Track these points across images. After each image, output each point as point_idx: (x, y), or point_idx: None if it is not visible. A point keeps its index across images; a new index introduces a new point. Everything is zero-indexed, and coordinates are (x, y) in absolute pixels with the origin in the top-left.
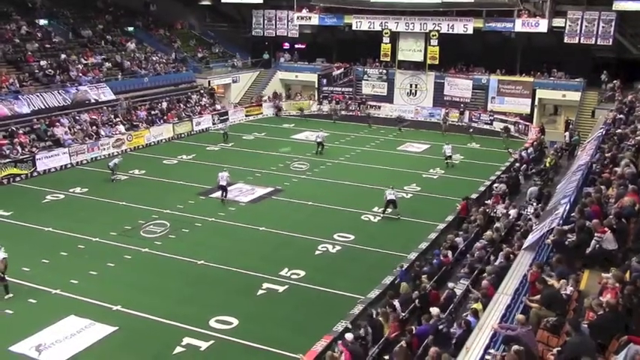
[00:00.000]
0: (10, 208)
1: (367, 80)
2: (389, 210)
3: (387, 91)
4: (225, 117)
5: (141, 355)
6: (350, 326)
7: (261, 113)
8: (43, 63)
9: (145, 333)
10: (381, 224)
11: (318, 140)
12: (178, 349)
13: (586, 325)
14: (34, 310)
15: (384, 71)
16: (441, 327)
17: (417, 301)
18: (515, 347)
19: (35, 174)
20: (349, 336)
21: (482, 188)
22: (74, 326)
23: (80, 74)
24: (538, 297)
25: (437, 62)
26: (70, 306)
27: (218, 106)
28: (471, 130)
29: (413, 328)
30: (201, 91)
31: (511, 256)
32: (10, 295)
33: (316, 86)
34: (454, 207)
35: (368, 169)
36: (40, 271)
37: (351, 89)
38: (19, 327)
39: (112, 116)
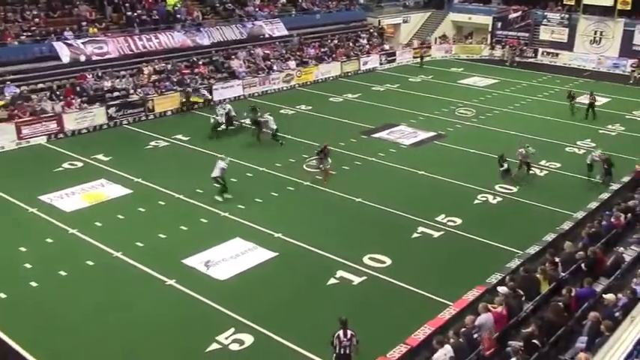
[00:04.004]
0: (188, 134)
1: (546, 25)
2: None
3: (567, 37)
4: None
5: (298, 282)
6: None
7: (430, 55)
8: None
9: (302, 262)
10: (548, 179)
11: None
12: (332, 281)
13: None
14: (205, 229)
15: (567, 16)
16: None
17: (582, 264)
18: None
19: (212, 103)
20: (503, 289)
21: None
22: (239, 247)
23: (257, 9)
24: None
25: (629, 7)
26: (236, 229)
27: (386, 46)
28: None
29: (572, 288)
30: (371, 30)
31: None
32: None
33: (490, 30)
34: (633, 168)
35: (537, 120)
36: (213, 194)
37: (527, 34)
38: (192, 243)
39: (284, 51)
